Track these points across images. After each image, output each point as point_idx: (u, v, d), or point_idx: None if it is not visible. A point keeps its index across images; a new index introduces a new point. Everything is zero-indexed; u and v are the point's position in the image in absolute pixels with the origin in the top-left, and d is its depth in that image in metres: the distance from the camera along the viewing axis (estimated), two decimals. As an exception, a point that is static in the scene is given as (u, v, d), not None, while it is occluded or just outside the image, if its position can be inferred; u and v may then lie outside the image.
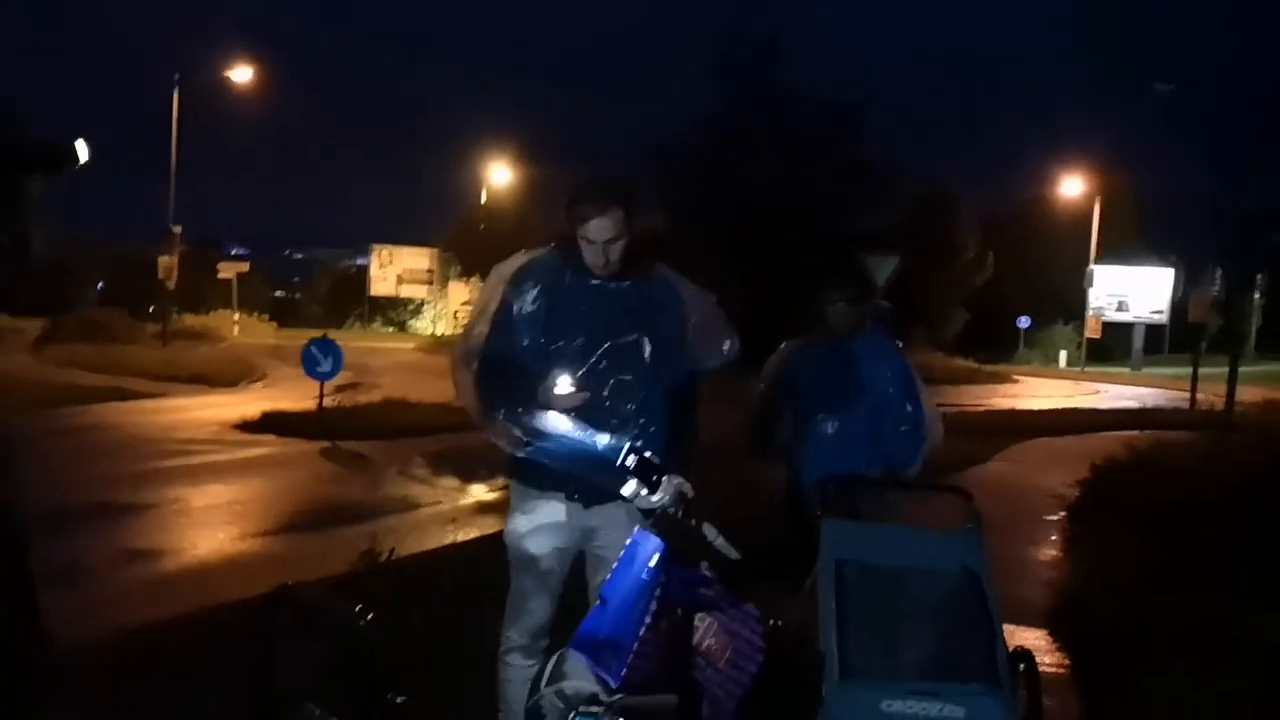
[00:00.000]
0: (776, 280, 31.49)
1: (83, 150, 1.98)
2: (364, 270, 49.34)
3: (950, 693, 3.39)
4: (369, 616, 2.10)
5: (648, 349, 3.39)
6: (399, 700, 1.81)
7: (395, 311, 48.42)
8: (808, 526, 4.01)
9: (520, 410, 3.26)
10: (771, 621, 3.93)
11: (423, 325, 46.41)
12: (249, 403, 17.23)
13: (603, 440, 3.21)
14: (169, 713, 4.18)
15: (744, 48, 33.83)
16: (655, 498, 3.13)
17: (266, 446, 13.30)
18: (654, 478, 3.13)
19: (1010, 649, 3.69)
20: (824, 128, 33.74)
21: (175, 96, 30.35)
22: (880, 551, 3.75)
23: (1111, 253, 44.90)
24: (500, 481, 10.82)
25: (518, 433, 3.28)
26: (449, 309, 44.27)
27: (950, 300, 40.19)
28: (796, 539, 4.22)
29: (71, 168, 1.31)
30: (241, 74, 32.71)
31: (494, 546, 5.66)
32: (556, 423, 3.25)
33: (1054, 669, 5.39)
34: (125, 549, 7.55)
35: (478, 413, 3.42)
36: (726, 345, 3.52)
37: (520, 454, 3.34)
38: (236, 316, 38.39)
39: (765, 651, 3.19)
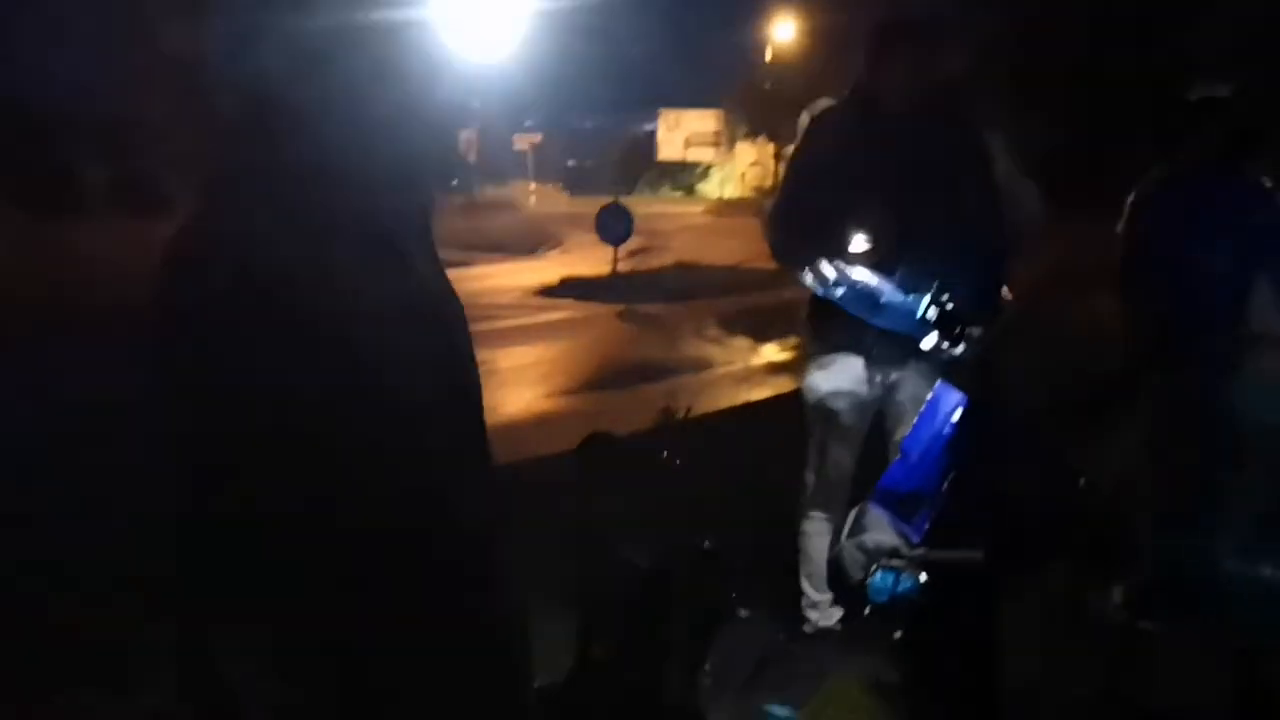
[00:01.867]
0: (1101, 116, 29.38)
1: None
2: (652, 135, 49.85)
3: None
4: (677, 461, 2.13)
5: (953, 194, 3.22)
6: (707, 545, 1.84)
7: (684, 175, 48.81)
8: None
9: (820, 263, 3.19)
10: (1083, 480, 3.76)
11: (710, 188, 46.60)
12: (547, 269, 17.95)
13: (904, 293, 3.10)
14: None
15: None
16: (958, 350, 3.01)
17: (565, 310, 13.85)
18: (956, 330, 3.00)
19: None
20: None
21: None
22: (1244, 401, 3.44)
23: None
24: (792, 341, 10.86)
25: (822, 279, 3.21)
26: (736, 171, 44.18)
27: None
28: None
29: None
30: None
31: (791, 404, 5.70)
32: (857, 274, 3.16)
33: None
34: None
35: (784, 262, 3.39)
36: (1035, 216, 3.30)
37: (824, 296, 3.26)
38: (532, 186, 39.86)
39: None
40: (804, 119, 3.42)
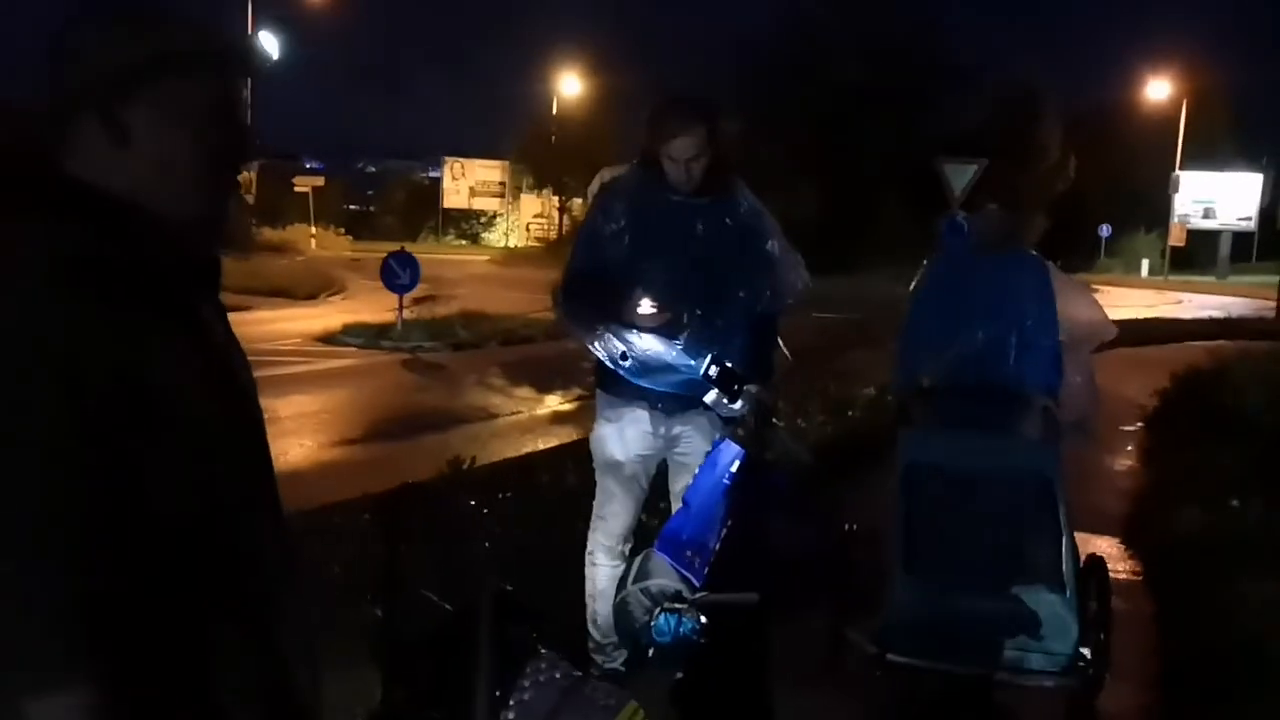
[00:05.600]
0: (855, 190, 31.14)
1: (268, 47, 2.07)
2: (437, 183, 49.60)
3: (1013, 592, 3.49)
4: (484, 511, 2.22)
5: (729, 266, 3.46)
6: (507, 588, 1.95)
7: (468, 224, 48.70)
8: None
9: (604, 328, 3.36)
10: (846, 526, 4.06)
11: (495, 237, 46.68)
12: (329, 315, 17.62)
13: (685, 352, 3.32)
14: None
15: None
16: (736, 406, 3.24)
17: (348, 358, 13.64)
18: (735, 387, 3.24)
19: (1083, 556, 3.76)
20: (904, 27, 32.87)
21: (250, 11, 30.53)
22: (955, 456, 3.82)
23: (1198, 157, 43.54)
24: (576, 391, 11.06)
25: (609, 348, 3.39)
26: (521, 221, 44.47)
27: (1031, 207, 39.34)
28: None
29: (262, 69, 1.38)
30: (313, -14, 32.76)
31: (573, 453, 5.85)
32: (639, 340, 3.35)
33: (1127, 576, 5.46)
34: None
35: (571, 330, 3.54)
36: (800, 284, 3.60)
37: (611, 366, 3.45)
38: (313, 230, 38.95)
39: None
40: (594, 187, 3.61)
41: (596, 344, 3.37)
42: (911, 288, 4.51)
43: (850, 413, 8.59)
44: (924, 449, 3.85)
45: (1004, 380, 3.97)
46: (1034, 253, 4.28)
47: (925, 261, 4.61)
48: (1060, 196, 40.85)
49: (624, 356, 3.34)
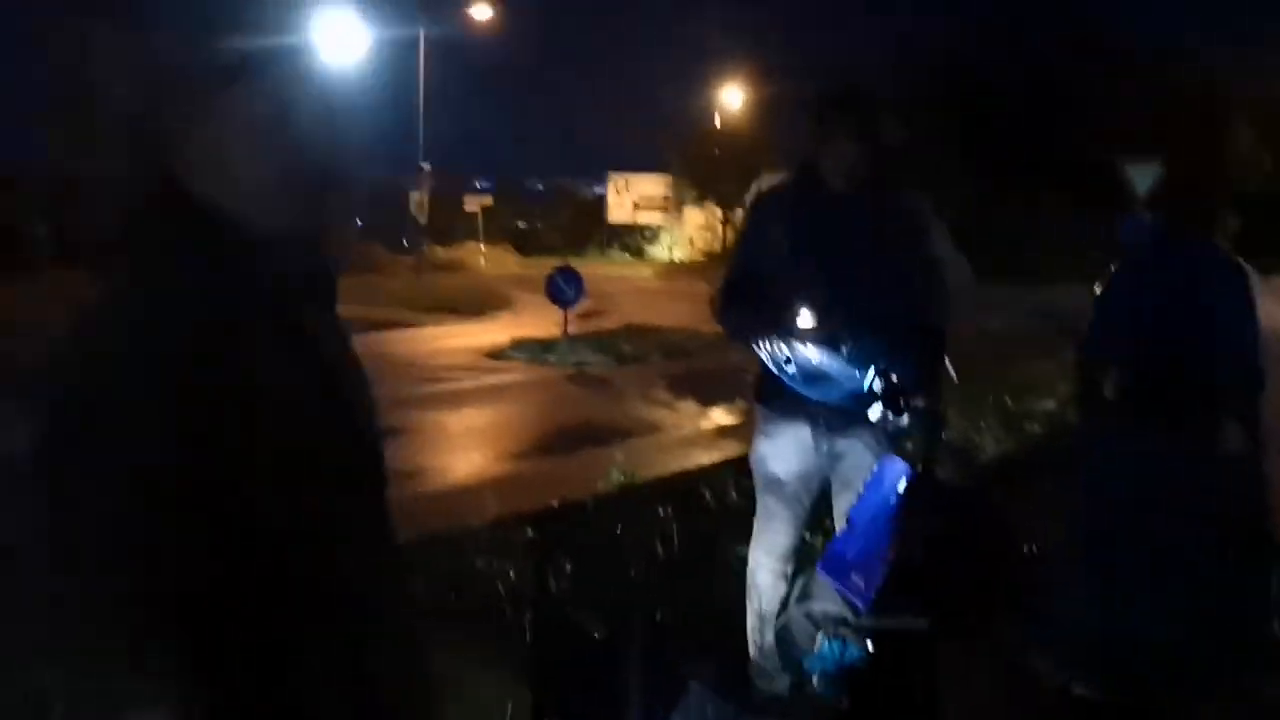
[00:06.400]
0: (1020, 189, 30.03)
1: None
2: (602, 198, 50.23)
3: (1210, 619, 3.23)
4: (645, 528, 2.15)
5: (894, 269, 3.31)
6: (657, 617, 1.87)
7: (632, 238, 49.15)
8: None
9: (771, 342, 3.25)
10: (1025, 547, 3.84)
11: (659, 251, 46.94)
12: (497, 330, 17.96)
13: (848, 364, 3.18)
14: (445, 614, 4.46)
15: None
16: (902, 422, 3.09)
17: (515, 372, 13.86)
18: (901, 401, 3.08)
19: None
20: (1074, 13, 31.40)
21: (421, 37, 31.55)
22: (1147, 472, 3.55)
23: None
24: (740, 405, 10.95)
25: (772, 353, 3.29)
26: (685, 234, 44.59)
27: (1219, 204, 37.16)
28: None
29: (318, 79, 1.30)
30: (482, 11, 33.65)
31: (736, 469, 5.75)
32: (801, 349, 3.23)
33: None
34: (393, 470, 8.05)
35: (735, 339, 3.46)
36: (968, 292, 3.43)
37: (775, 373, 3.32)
38: (483, 248, 39.94)
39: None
40: (752, 194, 3.52)
41: (759, 347, 3.26)
42: (1097, 292, 4.28)
43: (1028, 427, 8.23)
44: (1111, 464, 3.61)
45: (1201, 387, 3.68)
46: (1225, 251, 3.98)
47: (1111, 266, 4.37)
48: (1254, 193, 38.51)
49: (787, 361, 3.22)
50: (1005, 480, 5.93)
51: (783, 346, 3.21)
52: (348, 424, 1.29)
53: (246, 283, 1.19)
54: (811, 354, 3.21)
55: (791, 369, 3.21)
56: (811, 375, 3.22)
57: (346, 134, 1.24)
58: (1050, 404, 8.77)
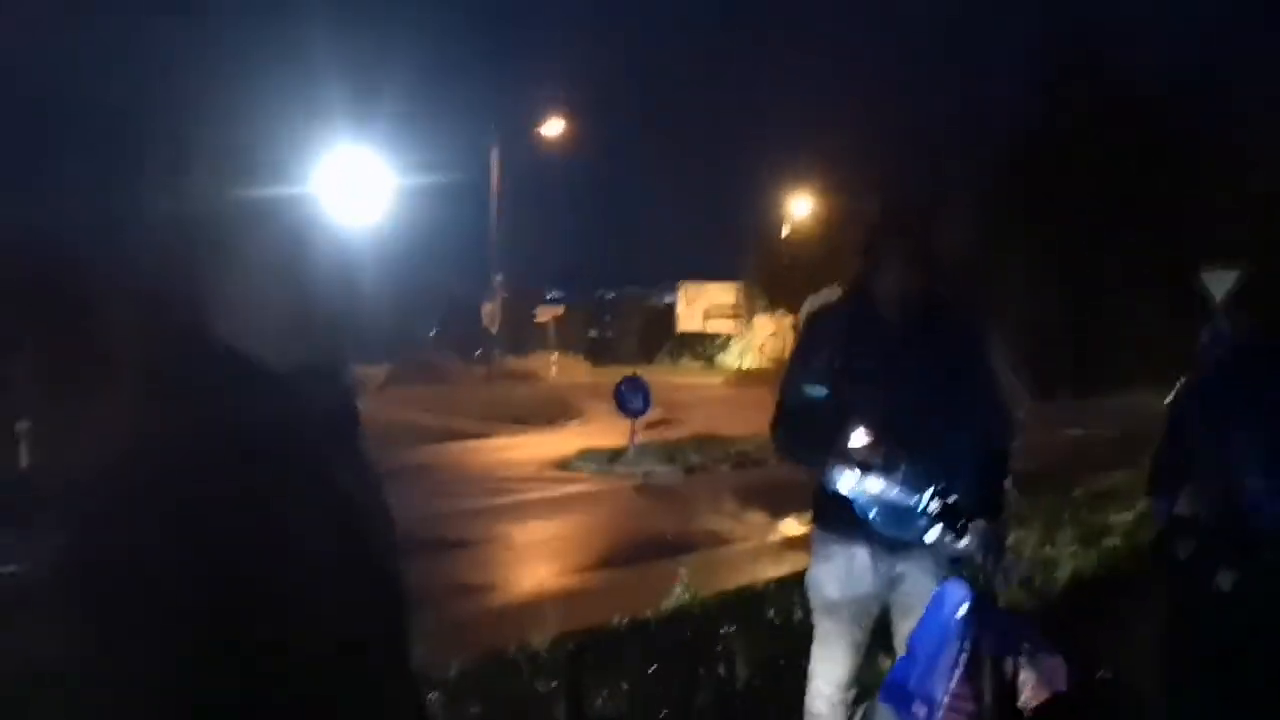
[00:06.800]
0: (1110, 294, 29.59)
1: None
2: (672, 307, 50.59)
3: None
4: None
5: (949, 390, 3.25)
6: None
7: (703, 346, 49.30)
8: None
9: (827, 462, 3.21)
10: (1099, 673, 3.69)
11: (730, 359, 46.99)
12: (566, 440, 18.00)
13: (905, 487, 3.11)
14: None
15: (1068, 41, 31.83)
16: (962, 544, 3.00)
17: (582, 483, 13.84)
18: (960, 523, 3.00)
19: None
20: (1161, 120, 31.09)
21: (494, 153, 32.38)
22: (1229, 600, 3.38)
23: None
24: (809, 517, 10.73)
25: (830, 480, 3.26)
26: (755, 342, 44.63)
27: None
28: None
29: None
30: (553, 127, 34.50)
31: (802, 585, 5.63)
32: (854, 482, 3.18)
33: None
34: (457, 583, 8.05)
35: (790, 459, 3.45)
36: (1019, 415, 3.37)
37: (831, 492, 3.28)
38: (554, 357, 40.29)
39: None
40: (805, 311, 3.50)
41: (814, 471, 3.22)
42: (1168, 402, 4.16)
43: (1107, 541, 7.96)
44: (1191, 589, 3.45)
45: None
46: None
47: (1184, 376, 4.25)
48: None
49: (835, 500, 3.20)
50: (1080, 599, 5.73)
51: (837, 477, 3.18)
52: (362, 559, 1.29)
53: (266, 416, 1.20)
54: (871, 478, 3.15)
55: (852, 496, 3.18)
56: (870, 504, 3.17)
57: (360, 276, 1.26)
58: (1129, 516, 8.50)
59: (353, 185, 1.40)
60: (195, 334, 1.21)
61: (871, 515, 3.18)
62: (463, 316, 38.28)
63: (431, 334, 44.74)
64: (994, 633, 2.97)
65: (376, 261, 1.32)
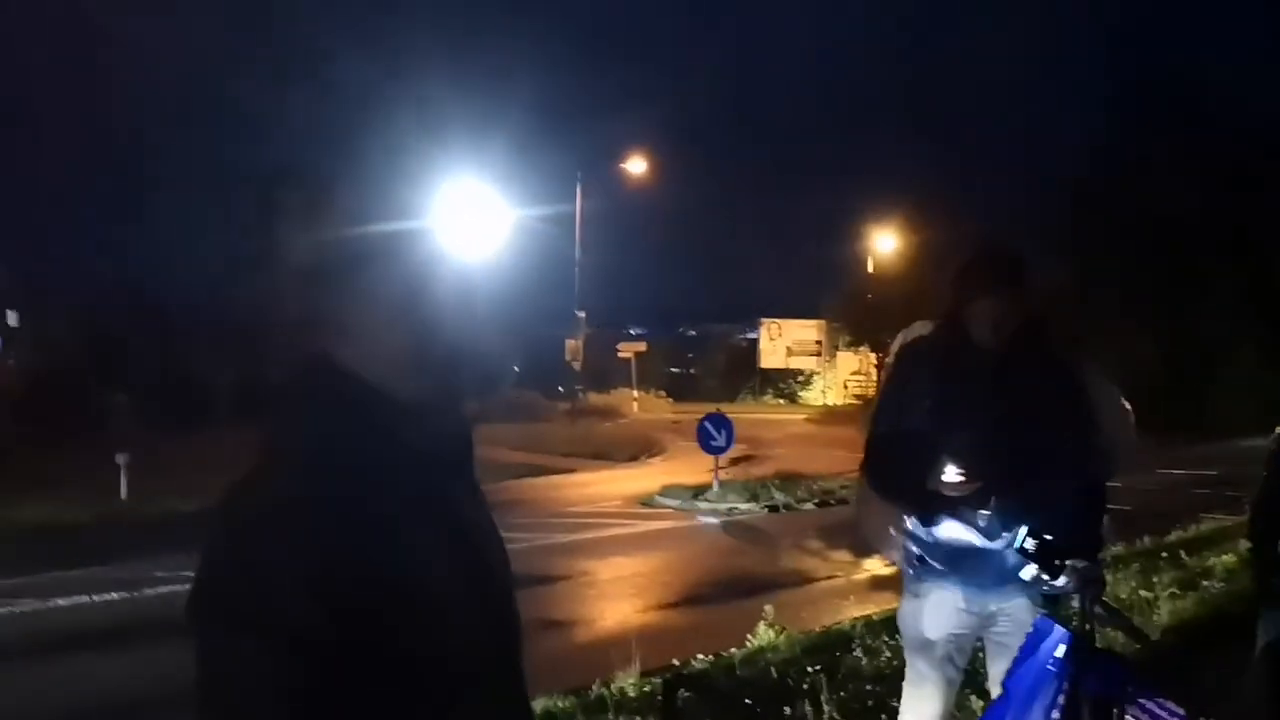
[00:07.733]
0: (1206, 333, 28.85)
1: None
2: (754, 344, 50.46)
3: None
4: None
5: (1043, 426, 3.19)
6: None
7: (785, 383, 49.05)
8: None
9: (897, 532, 3.23)
10: (1201, 718, 3.56)
11: (812, 395, 46.69)
12: (648, 477, 18.02)
13: (993, 527, 3.07)
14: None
15: (1165, 75, 31.30)
16: (1058, 583, 2.94)
17: (665, 520, 13.81)
18: (1056, 561, 2.94)
19: None
20: (1255, 149, 30.28)
21: (578, 192, 32.72)
22: None
23: None
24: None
25: (911, 547, 3.30)
26: (838, 379, 44.30)
27: None
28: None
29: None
30: (636, 165, 34.78)
31: (890, 625, 5.55)
32: (938, 531, 3.19)
33: None
34: (542, 619, 8.07)
35: (871, 529, 3.45)
36: (1123, 445, 3.32)
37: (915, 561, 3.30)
38: (636, 394, 40.42)
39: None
40: (896, 345, 3.47)
41: (893, 554, 3.25)
42: (1269, 443, 4.05)
43: (1207, 583, 7.72)
44: None
45: None
46: None
47: None
48: None
49: (921, 560, 3.20)
50: (1180, 644, 5.56)
51: (915, 539, 3.21)
52: (484, 589, 1.31)
53: (387, 448, 1.23)
54: (949, 531, 3.16)
55: (930, 560, 3.21)
56: (955, 554, 3.17)
57: (480, 310, 1.29)
58: (1229, 558, 8.24)
59: (471, 219, 1.42)
60: (327, 364, 1.25)
61: (965, 552, 3.14)
62: (546, 353, 38.60)
63: (515, 368, 45.12)
64: (1096, 675, 2.89)
65: (491, 295, 1.35)
